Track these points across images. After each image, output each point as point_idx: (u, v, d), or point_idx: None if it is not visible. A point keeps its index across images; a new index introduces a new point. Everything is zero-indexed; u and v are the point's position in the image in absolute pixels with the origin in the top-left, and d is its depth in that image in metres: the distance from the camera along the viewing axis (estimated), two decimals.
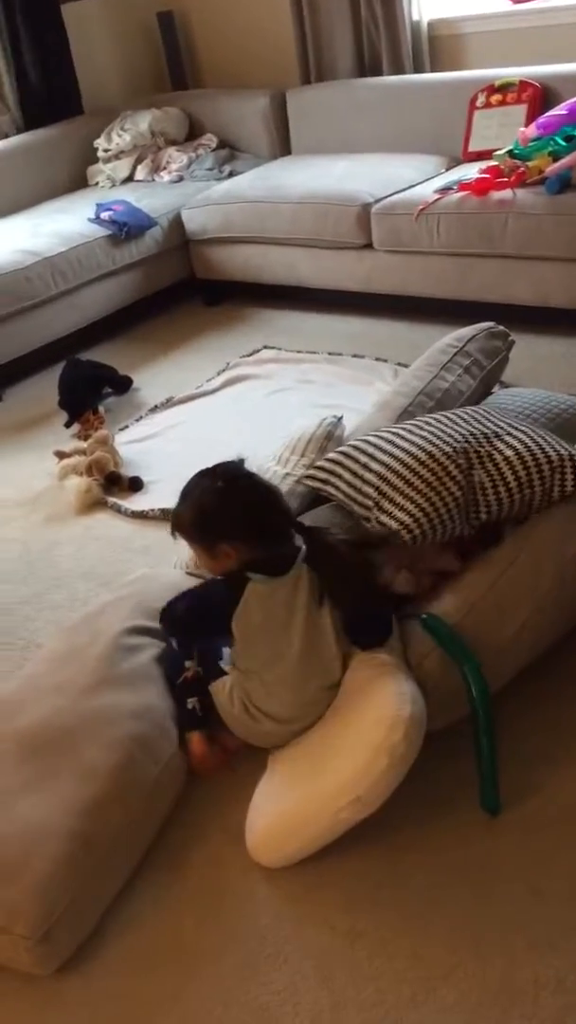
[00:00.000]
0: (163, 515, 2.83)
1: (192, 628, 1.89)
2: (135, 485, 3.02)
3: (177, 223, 4.20)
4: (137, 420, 3.47)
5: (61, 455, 3.14)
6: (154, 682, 1.93)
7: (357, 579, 1.82)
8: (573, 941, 1.51)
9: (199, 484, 1.83)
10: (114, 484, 3.01)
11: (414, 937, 1.56)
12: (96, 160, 4.64)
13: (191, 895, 1.68)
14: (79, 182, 4.64)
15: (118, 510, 2.92)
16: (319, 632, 1.78)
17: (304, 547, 1.79)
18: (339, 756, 1.66)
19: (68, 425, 3.44)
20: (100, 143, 4.62)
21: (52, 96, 4.60)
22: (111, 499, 2.96)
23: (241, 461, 1.88)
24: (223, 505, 1.78)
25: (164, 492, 2.97)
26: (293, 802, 1.67)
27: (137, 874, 1.72)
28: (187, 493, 1.84)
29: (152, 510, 2.86)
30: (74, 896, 1.56)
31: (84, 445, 3.17)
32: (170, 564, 2.40)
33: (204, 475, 1.85)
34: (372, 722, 1.64)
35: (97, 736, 1.78)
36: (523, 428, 2.06)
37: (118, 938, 1.63)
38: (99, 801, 1.67)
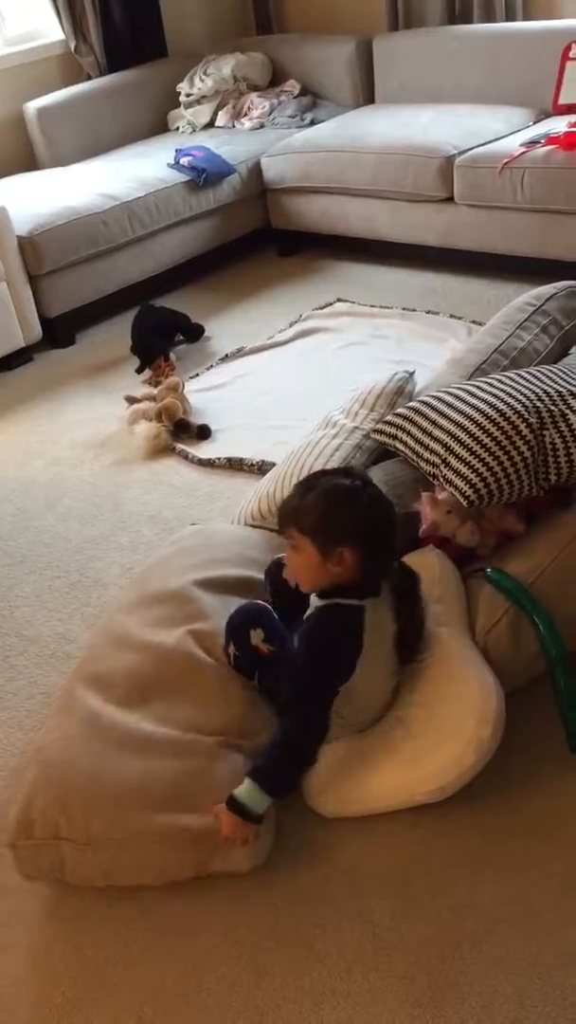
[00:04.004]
0: (229, 464, 2.85)
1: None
2: (203, 433, 3.03)
3: (256, 171, 4.16)
4: (208, 369, 3.48)
5: (131, 400, 3.17)
6: None
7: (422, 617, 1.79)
8: None
9: (328, 478, 1.68)
10: (182, 431, 3.03)
11: (463, 889, 1.58)
12: (178, 105, 4.60)
13: None
14: (160, 127, 4.61)
15: (185, 457, 2.94)
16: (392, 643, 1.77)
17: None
18: (425, 743, 1.67)
19: (139, 371, 3.46)
20: (182, 87, 4.58)
21: (136, 38, 4.56)
22: (179, 446, 2.98)
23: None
24: (356, 502, 1.63)
25: (231, 441, 2.99)
26: (371, 777, 1.68)
27: None
28: (310, 486, 1.67)
29: (219, 459, 2.88)
30: None
31: (154, 391, 3.19)
32: (230, 513, 2.42)
33: (331, 472, 1.73)
34: (460, 715, 1.65)
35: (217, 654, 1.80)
36: None
37: None
38: (245, 714, 1.74)
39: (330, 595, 1.68)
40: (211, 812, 1.58)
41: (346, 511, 1.63)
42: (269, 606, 1.82)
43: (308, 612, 1.73)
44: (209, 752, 1.66)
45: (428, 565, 1.89)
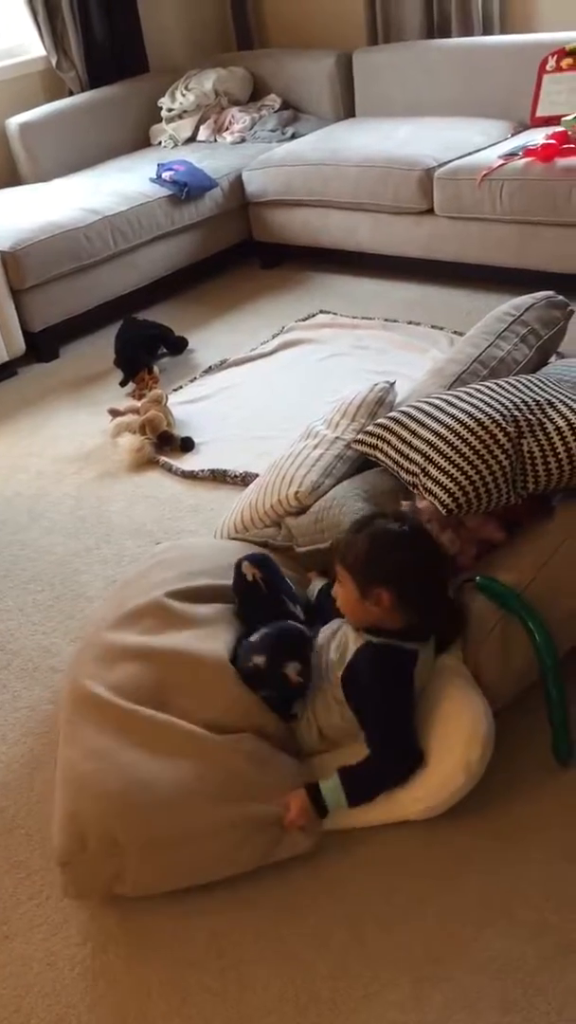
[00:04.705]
0: (212, 476, 2.86)
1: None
2: (187, 445, 3.04)
3: (237, 184, 4.19)
4: (191, 381, 3.49)
5: (115, 413, 3.18)
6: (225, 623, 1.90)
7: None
8: None
9: (380, 521, 1.77)
10: (166, 444, 3.04)
11: (447, 895, 1.58)
12: (159, 119, 4.63)
13: None
14: (142, 141, 4.64)
15: (169, 469, 2.95)
16: None
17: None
18: None
19: (123, 384, 3.47)
20: (164, 102, 4.61)
21: (118, 54, 4.59)
22: (162, 458, 2.99)
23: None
24: (400, 547, 1.72)
25: (215, 453, 3.00)
26: None
27: None
28: (363, 524, 1.77)
29: (202, 471, 2.89)
30: None
31: (138, 404, 3.20)
32: (213, 525, 2.42)
33: (386, 515, 1.80)
34: (450, 737, 1.68)
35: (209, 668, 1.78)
36: None
37: None
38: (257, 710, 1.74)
39: (379, 634, 1.71)
40: (282, 802, 1.62)
41: (387, 554, 1.69)
42: (306, 631, 1.81)
43: (357, 646, 1.73)
44: (247, 747, 1.68)
45: None
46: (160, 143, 4.59)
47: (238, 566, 1.92)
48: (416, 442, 2.00)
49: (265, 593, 1.88)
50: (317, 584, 2.05)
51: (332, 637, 1.80)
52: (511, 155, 3.53)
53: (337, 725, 1.76)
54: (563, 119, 3.52)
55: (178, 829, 1.58)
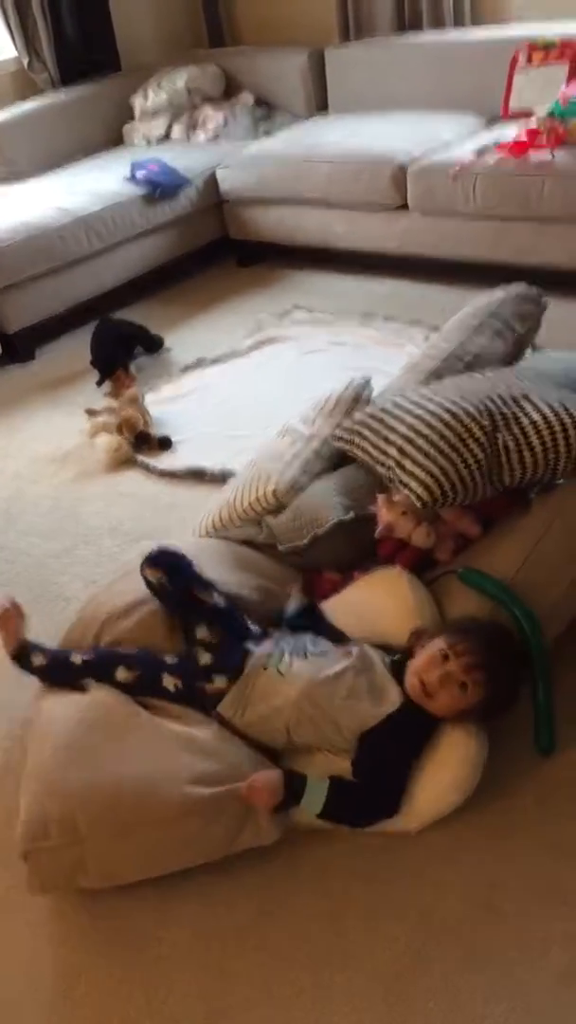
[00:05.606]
0: (190, 474, 2.85)
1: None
2: (164, 444, 3.04)
3: (212, 183, 4.18)
4: (168, 380, 3.48)
5: (92, 413, 3.17)
6: None
7: None
8: None
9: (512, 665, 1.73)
10: (143, 443, 3.03)
11: (427, 892, 1.59)
12: (132, 118, 4.61)
13: None
14: (115, 140, 4.62)
15: (147, 469, 2.94)
16: None
17: None
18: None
19: (100, 384, 3.46)
20: (136, 101, 4.60)
21: (89, 53, 4.57)
22: (140, 458, 2.98)
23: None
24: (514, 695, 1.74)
25: (192, 451, 2.99)
26: None
27: None
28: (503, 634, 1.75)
29: (180, 469, 2.88)
30: None
31: (115, 404, 3.19)
32: (192, 524, 2.42)
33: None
34: (443, 756, 1.68)
35: None
36: (552, 392, 2.04)
37: None
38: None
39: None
40: (248, 776, 1.60)
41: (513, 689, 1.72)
42: None
43: (396, 706, 1.71)
44: (207, 732, 1.69)
45: (401, 595, 1.89)
46: (134, 142, 4.57)
47: (142, 571, 1.91)
48: (392, 436, 2.00)
49: (171, 589, 1.88)
50: (295, 601, 2.01)
51: (349, 663, 1.74)
52: (484, 150, 3.54)
53: (311, 742, 1.73)
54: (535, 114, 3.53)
55: (140, 814, 1.57)
